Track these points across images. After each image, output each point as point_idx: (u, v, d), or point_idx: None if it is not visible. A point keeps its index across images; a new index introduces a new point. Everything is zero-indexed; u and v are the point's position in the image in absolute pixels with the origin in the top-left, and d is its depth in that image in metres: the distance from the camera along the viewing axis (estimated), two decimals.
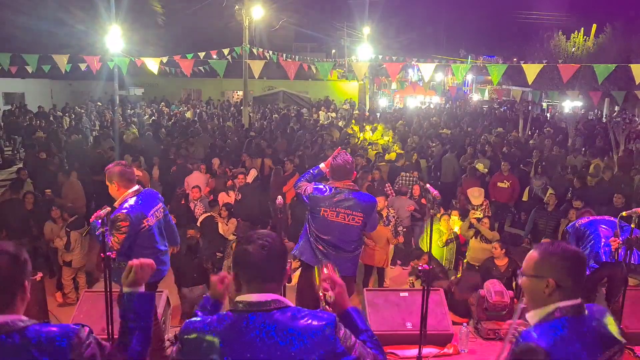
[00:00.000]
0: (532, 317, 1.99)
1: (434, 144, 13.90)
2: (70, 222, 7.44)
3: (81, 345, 1.76)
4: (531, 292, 2.01)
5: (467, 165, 11.14)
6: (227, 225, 7.92)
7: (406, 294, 4.92)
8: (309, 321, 1.82)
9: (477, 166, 10.85)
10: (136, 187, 4.22)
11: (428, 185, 4.17)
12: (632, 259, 4.46)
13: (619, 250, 4.66)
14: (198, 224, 7.59)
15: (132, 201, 4.12)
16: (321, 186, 4.31)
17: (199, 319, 1.95)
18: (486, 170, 11.20)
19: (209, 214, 8.09)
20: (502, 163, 10.45)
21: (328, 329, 1.81)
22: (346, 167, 4.31)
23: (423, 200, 8.52)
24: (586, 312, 1.95)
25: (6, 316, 1.75)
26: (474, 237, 7.21)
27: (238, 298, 1.89)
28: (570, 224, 5.63)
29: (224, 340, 1.80)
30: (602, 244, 5.02)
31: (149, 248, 4.18)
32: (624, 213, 4.48)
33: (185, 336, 1.87)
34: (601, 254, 5.00)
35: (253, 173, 10.19)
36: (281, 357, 1.77)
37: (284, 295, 1.96)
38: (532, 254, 2.04)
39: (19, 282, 1.80)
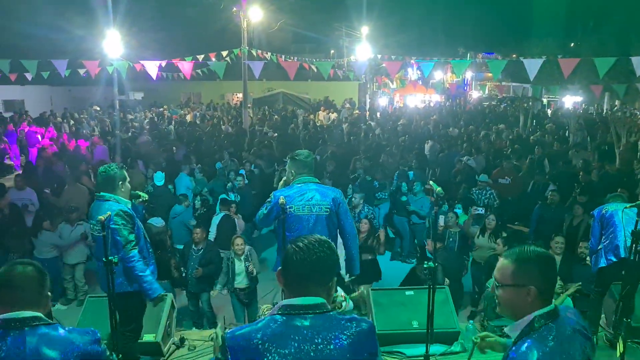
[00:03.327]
0: (512, 330, 1.94)
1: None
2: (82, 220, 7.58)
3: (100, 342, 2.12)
4: (511, 303, 1.95)
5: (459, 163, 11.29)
6: (240, 221, 8.13)
7: (412, 292, 4.91)
8: None
9: (468, 162, 11.03)
10: None
11: (431, 183, 4.15)
12: None
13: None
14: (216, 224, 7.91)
15: None
16: (282, 192, 4.19)
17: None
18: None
19: (225, 212, 8.15)
20: (504, 161, 10.46)
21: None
22: (306, 160, 4.25)
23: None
24: (562, 313, 1.92)
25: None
26: (480, 235, 7.17)
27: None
28: (597, 208, 5.24)
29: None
30: (625, 237, 4.74)
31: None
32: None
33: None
34: (621, 249, 4.77)
35: None
36: None
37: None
38: (505, 263, 1.96)
39: (46, 288, 2.20)
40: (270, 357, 1.76)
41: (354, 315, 1.92)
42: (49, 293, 2.24)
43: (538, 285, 1.89)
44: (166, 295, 4.45)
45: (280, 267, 1.94)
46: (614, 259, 4.81)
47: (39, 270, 2.22)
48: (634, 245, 4.26)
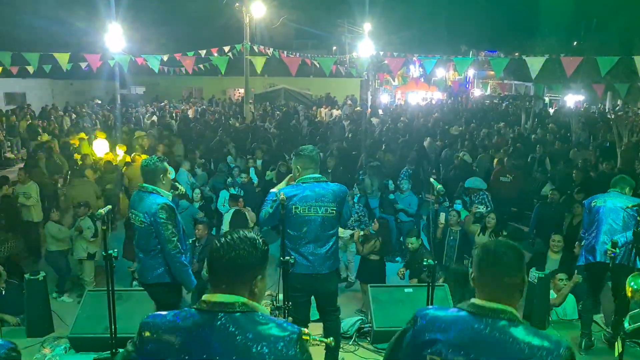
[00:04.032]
0: None
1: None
2: (91, 213, 7.59)
3: None
4: None
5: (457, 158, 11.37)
6: (251, 213, 8.19)
7: (411, 290, 4.92)
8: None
9: (464, 158, 11.14)
10: None
11: (432, 180, 4.14)
12: None
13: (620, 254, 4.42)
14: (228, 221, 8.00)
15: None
16: (287, 188, 4.06)
17: None
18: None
19: (235, 207, 8.19)
20: (506, 158, 10.46)
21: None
22: (312, 155, 4.07)
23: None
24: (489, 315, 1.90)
25: None
26: (481, 233, 7.16)
27: None
28: (589, 198, 5.05)
29: None
30: (601, 240, 4.60)
31: None
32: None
33: None
34: (597, 252, 4.65)
35: None
36: None
37: None
38: None
39: None
40: (157, 347, 1.77)
41: (278, 320, 1.81)
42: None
43: (474, 272, 2.00)
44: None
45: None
46: (591, 260, 4.74)
47: None
48: (624, 248, 4.24)
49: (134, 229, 4.18)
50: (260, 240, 1.87)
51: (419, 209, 10.34)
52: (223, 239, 1.85)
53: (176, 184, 4.57)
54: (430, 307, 2.07)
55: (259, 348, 1.69)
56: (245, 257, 1.81)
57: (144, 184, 4.05)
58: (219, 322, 1.75)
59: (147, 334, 1.84)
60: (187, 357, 1.74)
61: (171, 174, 4.28)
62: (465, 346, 1.84)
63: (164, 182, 4.08)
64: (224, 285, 1.81)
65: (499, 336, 1.82)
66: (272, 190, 4.15)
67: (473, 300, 1.95)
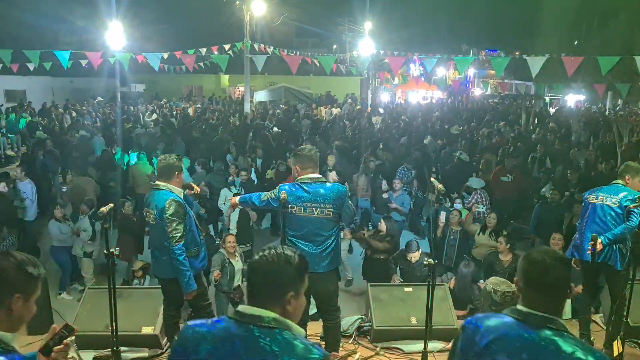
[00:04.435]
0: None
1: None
2: (92, 213, 7.57)
3: None
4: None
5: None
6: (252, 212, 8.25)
7: (410, 289, 4.91)
8: None
9: (461, 157, 11.16)
10: None
11: (432, 179, 4.14)
12: None
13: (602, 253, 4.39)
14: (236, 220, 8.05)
15: None
16: (286, 186, 4.05)
17: None
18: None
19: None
20: (506, 157, 10.46)
21: None
22: (310, 155, 4.05)
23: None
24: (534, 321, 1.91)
25: None
26: (481, 233, 7.16)
27: None
28: (588, 191, 4.91)
29: None
30: (587, 238, 4.46)
31: None
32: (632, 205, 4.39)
33: None
34: (583, 250, 4.61)
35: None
36: None
37: None
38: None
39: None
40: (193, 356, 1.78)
41: (308, 342, 1.80)
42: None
43: (520, 281, 2.00)
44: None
45: None
46: (576, 256, 4.73)
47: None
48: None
49: (149, 227, 4.23)
50: (297, 258, 1.86)
51: (421, 209, 10.34)
52: (262, 253, 1.87)
53: (191, 183, 4.63)
54: (477, 315, 2.08)
55: None
56: (276, 272, 1.82)
57: (157, 182, 4.10)
58: (249, 334, 1.76)
59: (182, 337, 1.87)
60: None
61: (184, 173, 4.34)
62: (512, 353, 1.85)
63: (177, 179, 4.13)
64: (257, 299, 1.83)
65: (544, 345, 1.83)
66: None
67: (518, 306, 1.96)
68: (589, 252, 4.16)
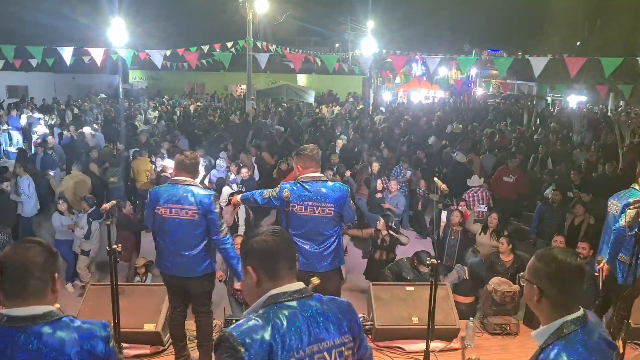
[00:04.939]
0: (539, 334, 1.92)
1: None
2: (91, 211, 7.58)
3: (111, 338, 1.98)
4: (525, 298, 2.01)
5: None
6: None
7: (412, 288, 4.90)
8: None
9: (457, 158, 11.17)
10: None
11: (435, 179, 4.13)
12: None
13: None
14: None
15: None
16: (287, 185, 4.07)
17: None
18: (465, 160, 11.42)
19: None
20: (510, 158, 10.46)
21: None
22: (312, 154, 4.06)
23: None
24: (590, 319, 1.91)
25: (42, 307, 1.87)
26: (483, 233, 7.16)
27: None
28: (613, 196, 4.68)
29: None
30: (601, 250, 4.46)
31: None
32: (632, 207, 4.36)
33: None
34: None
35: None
36: None
37: None
38: (532, 258, 2.01)
39: (50, 273, 1.93)
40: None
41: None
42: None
43: (543, 286, 1.89)
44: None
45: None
46: (595, 270, 4.49)
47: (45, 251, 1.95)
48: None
49: (178, 224, 3.92)
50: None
51: (424, 210, 10.32)
52: (266, 231, 1.96)
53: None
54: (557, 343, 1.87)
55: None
56: (287, 243, 1.99)
57: (184, 178, 3.97)
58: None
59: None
60: None
61: None
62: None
63: (198, 175, 4.21)
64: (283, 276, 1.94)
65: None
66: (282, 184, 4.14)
67: (569, 317, 1.87)
68: (597, 274, 4.10)
